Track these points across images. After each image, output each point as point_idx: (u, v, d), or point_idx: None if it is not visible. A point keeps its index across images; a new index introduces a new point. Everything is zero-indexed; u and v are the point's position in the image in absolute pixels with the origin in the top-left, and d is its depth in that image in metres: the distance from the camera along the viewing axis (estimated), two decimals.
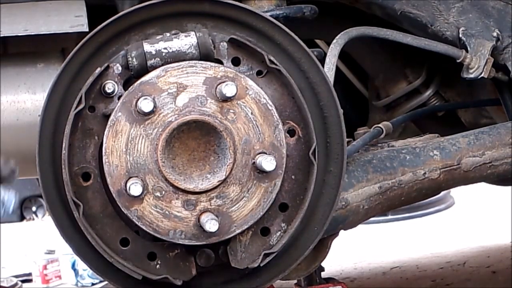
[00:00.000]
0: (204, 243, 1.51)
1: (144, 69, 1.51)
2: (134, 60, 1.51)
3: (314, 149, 1.55)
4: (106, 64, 1.51)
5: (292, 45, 1.59)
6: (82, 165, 1.50)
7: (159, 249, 1.52)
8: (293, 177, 1.56)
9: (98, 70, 1.50)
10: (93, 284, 5.07)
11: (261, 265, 1.54)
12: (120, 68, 1.52)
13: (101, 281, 4.68)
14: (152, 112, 1.46)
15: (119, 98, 1.51)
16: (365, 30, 1.94)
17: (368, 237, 4.93)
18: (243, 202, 1.51)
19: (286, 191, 1.55)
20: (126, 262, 1.50)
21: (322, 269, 2.10)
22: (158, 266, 1.52)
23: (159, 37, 1.53)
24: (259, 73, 1.57)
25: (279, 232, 1.56)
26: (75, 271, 5.10)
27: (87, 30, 1.77)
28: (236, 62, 1.57)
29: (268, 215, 1.54)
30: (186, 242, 1.50)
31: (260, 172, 1.50)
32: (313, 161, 1.55)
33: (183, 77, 1.49)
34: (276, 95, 1.55)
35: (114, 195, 1.46)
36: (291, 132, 1.56)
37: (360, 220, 1.84)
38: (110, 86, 1.51)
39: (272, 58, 1.55)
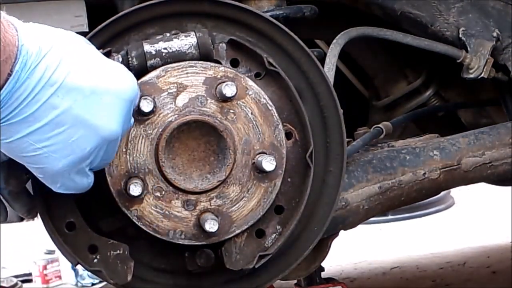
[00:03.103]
0: (204, 243, 1.51)
1: (144, 69, 1.50)
2: (134, 60, 1.50)
3: (311, 152, 1.55)
4: (108, 49, 1.50)
5: (292, 45, 1.59)
6: None
7: (102, 244, 1.50)
8: (289, 179, 1.56)
9: (100, 51, 1.49)
10: (93, 284, 5.08)
11: (256, 266, 1.53)
12: (120, 59, 1.51)
13: (101, 281, 4.68)
14: (152, 112, 1.46)
15: None
16: (365, 30, 1.94)
17: (368, 237, 4.94)
18: (243, 202, 1.51)
19: (282, 194, 1.55)
20: (65, 245, 1.48)
21: (322, 269, 2.11)
22: (95, 260, 1.50)
23: (159, 37, 1.53)
24: (257, 75, 1.57)
25: (274, 235, 1.56)
26: (75, 271, 5.11)
27: (87, 30, 1.77)
28: (234, 63, 1.56)
29: (263, 217, 1.54)
30: (186, 242, 1.50)
31: (260, 172, 1.51)
32: (310, 164, 1.55)
33: (183, 77, 1.49)
34: (274, 97, 1.55)
35: (114, 195, 1.46)
36: (288, 135, 1.56)
37: (360, 220, 1.85)
38: None
39: (271, 60, 1.55)
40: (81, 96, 1.22)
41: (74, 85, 1.22)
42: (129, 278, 1.50)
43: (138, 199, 1.47)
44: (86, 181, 1.33)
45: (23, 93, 1.19)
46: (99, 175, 1.46)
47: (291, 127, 1.57)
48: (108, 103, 1.25)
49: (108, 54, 1.49)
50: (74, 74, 1.22)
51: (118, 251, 1.50)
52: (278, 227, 1.56)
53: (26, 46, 1.19)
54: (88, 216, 1.52)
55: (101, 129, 1.25)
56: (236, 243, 1.53)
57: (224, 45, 1.56)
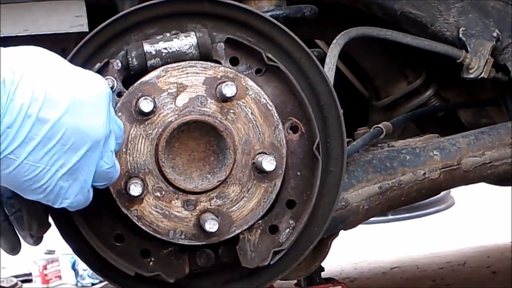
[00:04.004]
0: (204, 243, 1.51)
1: (144, 69, 1.50)
2: (134, 60, 1.50)
3: (318, 143, 1.55)
4: (106, 60, 1.51)
5: (292, 45, 1.59)
6: None
7: (153, 246, 1.52)
8: (298, 173, 1.56)
9: (98, 65, 1.50)
10: (93, 284, 5.08)
11: (271, 263, 1.54)
12: (120, 64, 1.52)
13: (101, 281, 4.68)
14: (152, 112, 1.46)
15: (118, 94, 1.50)
16: (365, 30, 1.94)
17: (368, 237, 4.93)
18: (243, 202, 1.51)
19: (292, 188, 1.56)
20: (119, 258, 1.50)
21: (322, 269, 2.11)
22: (151, 263, 1.52)
23: (159, 37, 1.53)
24: (258, 71, 1.57)
25: (288, 229, 1.56)
26: (75, 271, 5.11)
27: (87, 30, 1.77)
28: (234, 62, 1.56)
29: (276, 213, 1.54)
30: (186, 242, 1.50)
31: (260, 172, 1.50)
32: (318, 156, 1.55)
33: (183, 77, 1.49)
34: (276, 92, 1.56)
35: (114, 195, 1.46)
36: (294, 129, 1.56)
37: (360, 220, 1.84)
38: (109, 82, 1.50)
39: (270, 56, 1.55)
40: (64, 106, 1.24)
41: (56, 98, 1.24)
42: (187, 270, 1.53)
43: (138, 199, 1.47)
44: (87, 195, 1.34)
45: (13, 113, 1.20)
46: None
47: (297, 120, 1.57)
48: (89, 106, 1.28)
49: (106, 64, 1.50)
50: (53, 88, 1.24)
51: (170, 249, 1.51)
52: (291, 221, 1.56)
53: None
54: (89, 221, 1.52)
55: (90, 131, 1.27)
56: (250, 241, 1.54)
57: (222, 44, 1.56)
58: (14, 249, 1.50)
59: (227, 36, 1.56)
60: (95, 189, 1.38)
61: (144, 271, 1.51)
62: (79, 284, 5.11)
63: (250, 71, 1.56)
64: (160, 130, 1.47)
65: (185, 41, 1.52)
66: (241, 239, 1.53)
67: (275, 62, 1.55)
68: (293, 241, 1.55)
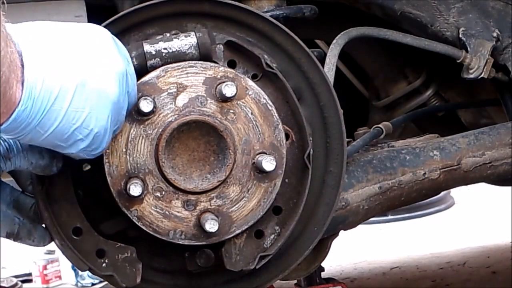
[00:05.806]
0: (204, 243, 1.51)
1: (144, 70, 1.50)
2: (134, 60, 1.50)
3: (309, 153, 1.55)
4: None
5: (292, 45, 1.59)
6: None
7: (110, 248, 1.51)
8: (286, 180, 1.56)
9: None
10: (93, 284, 5.08)
11: (257, 267, 1.53)
12: None
13: (101, 281, 4.68)
14: (152, 112, 1.46)
15: None
16: (365, 30, 1.94)
17: (368, 237, 4.94)
18: (243, 202, 1.51)
19: (279, 194, 1.55)
20: (75, 251, 1.49)
21: (322, 269, 2.11)
22: (104, 264, 1.50)
23: (159, 37, 1.53)
24: (254, 76, 1.57)
25: (273, 235, 1.56)
26: (75, 271, 5.11)
27: None
28: (231, 65, 1.56)
29: (262, 218, 1.54)
30: (186, 242, 1.50)
31: (260, 172, 1.50)
32: (308, 165, 1.55)
33: (183, 77, 1.49)
34: (270, 98, 1.55)
35: (114, 196, 1.46)
36: (285, 136, 1.56)
37: (360, 220, 1.85)
38: None
39: (268, 62, 1.55)
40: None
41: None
42: (138, 280, 1.51)
43: (138, 199, 1.46)
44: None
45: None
46: (99, 178, 1.46)
47: (288, 128, 1.57)
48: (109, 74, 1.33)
49: None
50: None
51: (126, 254, 1.50)
52: (276, 227, 1.56)
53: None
54: (89, 220, 1.52)
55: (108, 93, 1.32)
56: (235, 244, 1.53)
57: (221, 46, 1.55)
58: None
59: (227, 38, 1.56)
60: (67, 177, 1.43)
61: (97, 270, 1.50)
62: (79, 284, 5.11)
63: (246, 75, 1.55)
64: (160, 130, 1.47)
65: (185, 41, 1.52)
66: (227, 242, 1.53)
67: (272, 69, 1.55)
68: (279, 247, 1.55)
